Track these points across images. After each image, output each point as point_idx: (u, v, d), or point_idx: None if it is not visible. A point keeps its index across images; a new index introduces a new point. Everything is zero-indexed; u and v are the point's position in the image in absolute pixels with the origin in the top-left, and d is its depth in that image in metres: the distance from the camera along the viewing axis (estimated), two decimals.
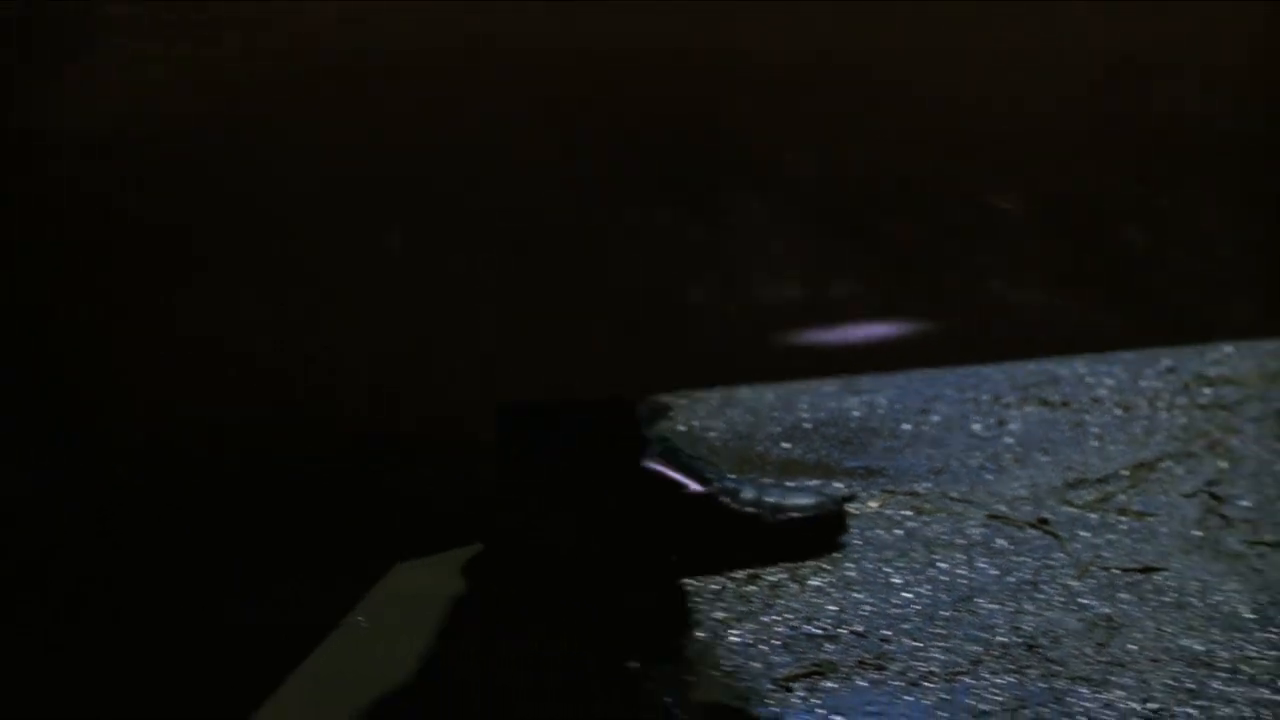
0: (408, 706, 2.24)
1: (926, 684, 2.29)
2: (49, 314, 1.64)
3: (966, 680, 2.29)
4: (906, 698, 2.26)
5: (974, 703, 2.25)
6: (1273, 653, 2.34)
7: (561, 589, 2.44)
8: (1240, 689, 2.27)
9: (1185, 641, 2.36)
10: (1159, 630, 2.39)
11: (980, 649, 2.35)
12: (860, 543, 2.59)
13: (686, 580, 2.50)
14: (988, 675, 2.30)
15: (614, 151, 1.58)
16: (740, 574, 2.52)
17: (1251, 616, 2.41)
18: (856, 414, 2.95)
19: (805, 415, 2.94)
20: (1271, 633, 2.37)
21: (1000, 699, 2.26)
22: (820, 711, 2.25)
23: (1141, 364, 3.10)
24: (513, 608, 2.41)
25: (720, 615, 2.44)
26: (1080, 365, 3.10)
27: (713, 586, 2.49)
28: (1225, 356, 3.13)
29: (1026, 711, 2.24)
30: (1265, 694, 2.25)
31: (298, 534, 2.54)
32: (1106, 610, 2.43)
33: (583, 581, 2.45)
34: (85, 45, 1.56)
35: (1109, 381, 3.04)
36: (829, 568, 2.53)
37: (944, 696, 2.26)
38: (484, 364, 1.66)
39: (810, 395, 2.99)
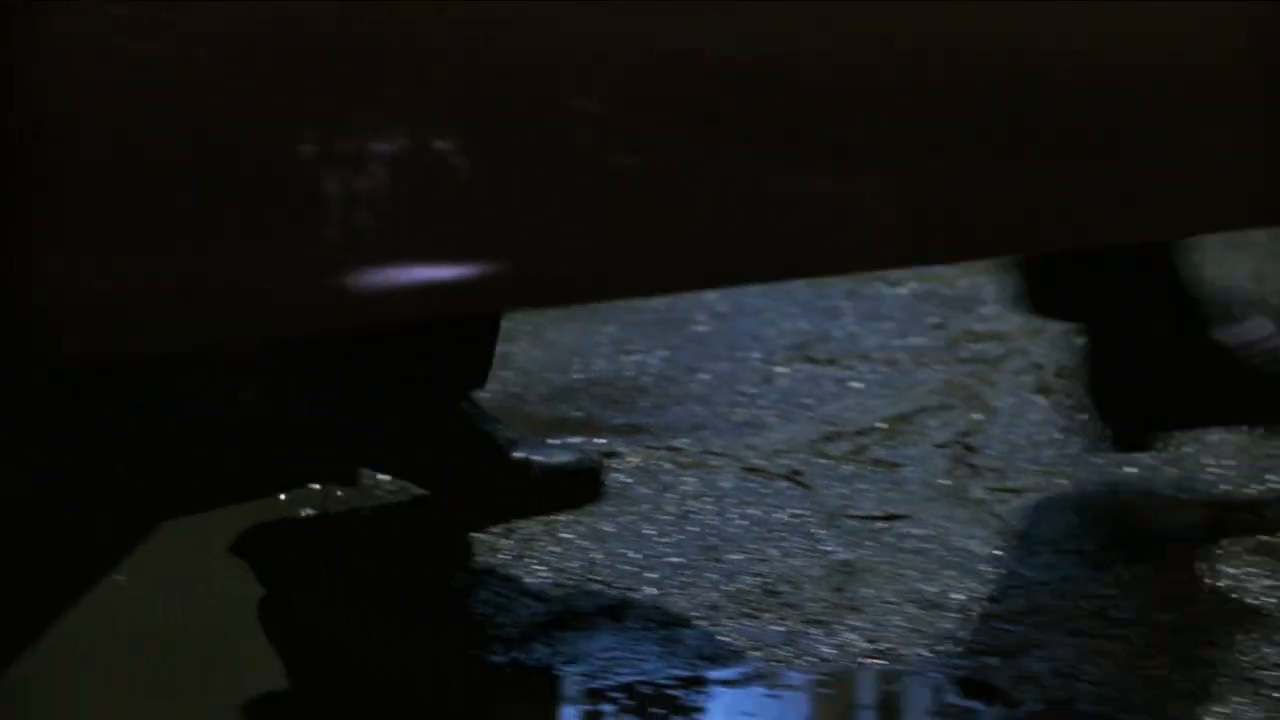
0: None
1: (664, 630, 2.34)
2: (48, 313, 1.65)
3: (704, 625, 2.35)
4: (643, 644, 2.32)
5: (708, 646, 2.31)
6: (1008, 593, 2.41)
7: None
8: (968, 628, 2.34)
9: (920, 585, 2.43)
10: (896, 575, 2.45)
11: (721, 596, 2.41)
12: (617, 497, 2.64)
13: (440, 533, 2.55)
14: (726, 620, 2.36)
15: None
16: (496, 528, 2.56)
17: (986, 560, 2.48)
18: (628, 374, 3.00)
19: (578, 375, 2.99)
20: (1003, 573, 2.45)
21: (735, 643, 2.32)
22: (557, 659, 2.30)
23: (910, 321, 3.16)
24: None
25: (470, 568, 2.48)
26: (851, 324, 3.16)
27: (466, 539, 2.54)
28: (995, 314, 3.20)
29: (758, 654, 2.30)
30: (999, 628, 2.33)
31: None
32: (848, 557, 2.50)
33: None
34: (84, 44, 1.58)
35: (876, 338, 3.11)
36: (583, 521, 2.58)
37: (680, 641, 2.32)
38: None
39: (583, 356, 3.04)
